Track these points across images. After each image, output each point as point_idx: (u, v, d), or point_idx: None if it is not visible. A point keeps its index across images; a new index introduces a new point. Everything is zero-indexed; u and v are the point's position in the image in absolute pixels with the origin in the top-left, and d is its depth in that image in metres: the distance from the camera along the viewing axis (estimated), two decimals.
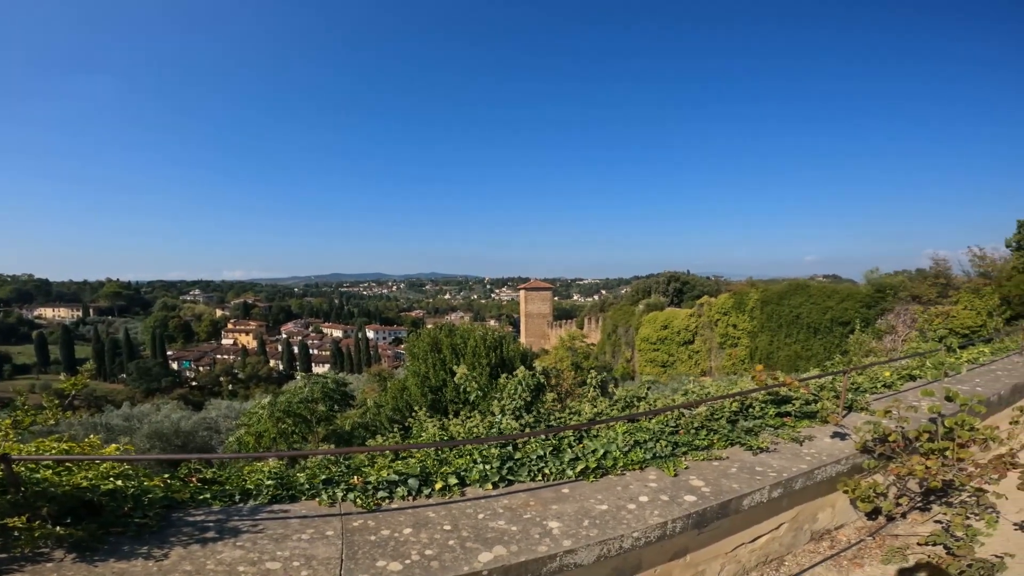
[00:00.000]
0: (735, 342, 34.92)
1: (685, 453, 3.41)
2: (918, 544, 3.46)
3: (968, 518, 3.16)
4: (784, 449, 3.59)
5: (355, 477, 2.93)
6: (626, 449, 3.31)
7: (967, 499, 3.43)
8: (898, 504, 3.90)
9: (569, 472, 3.11)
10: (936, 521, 3.47)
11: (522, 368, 4.18)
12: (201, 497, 2.83)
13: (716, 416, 3.92)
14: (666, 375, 37.12)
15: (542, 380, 4.23)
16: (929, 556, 3.21)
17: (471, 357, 24.58)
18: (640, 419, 3.86)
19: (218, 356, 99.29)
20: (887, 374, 5.15)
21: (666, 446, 3.41)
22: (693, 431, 3.70)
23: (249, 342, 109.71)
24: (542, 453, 3.23)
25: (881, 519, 3.92)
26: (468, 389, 4.47)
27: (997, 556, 3.31)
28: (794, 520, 3.42)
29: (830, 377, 4.32)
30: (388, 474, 2.96)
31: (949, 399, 3.55)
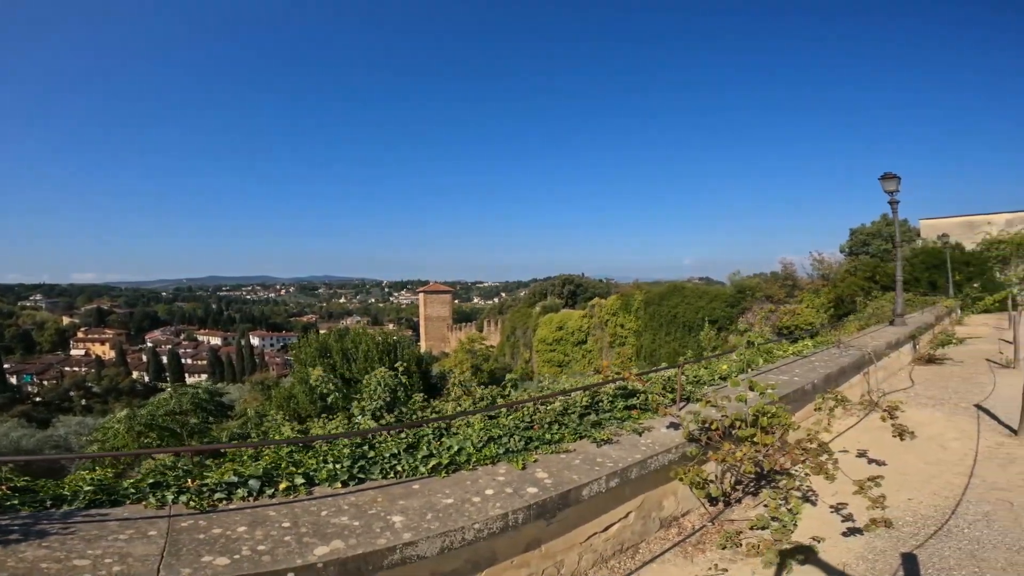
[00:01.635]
0: (623, 341, 36.95)
1: (537, 447, 3.56)
2: (750, 529, 3.66)
3: (781, 503, 3.51)
4: (625, 440, 3.80)
5: (189, 480, 2.82)
6: (480, 445, 3.42)
7: (789, 484, 3.78)
8: (735, 489, 4.29)
9: (422, 469, 3.17)
10: (765, 505, 3.77)
11: (382, 369, 4.12)
12: (8, 504, 2.63)
13: (569, 411, 4.13)
14: (563, 375, 38.46)
15: (404, 380, 4.20)
16: (757, 540, 3.39)
17: (363, 362, 23.67)
18: (500, 416, 3.99)
19: (66, 368, 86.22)
20: (724, 367, 5.76)
21: (519, 441, 3.55)
22: (546, 426, 3.88)
23: (106, 352, 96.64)
24: (396, 451, 3.28)
25: (720, 504, 4.15)
26: (324, 391, 4.31)
27: (814, 539, 3.52)
28: (640, 508, 3.65)
29: (673, 370, 4.71)
30: (227, 476, 2.88)
31: (752, 388, 4.02)
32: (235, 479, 2.87)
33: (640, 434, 3.92)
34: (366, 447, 3.33)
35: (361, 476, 3.07)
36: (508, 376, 5.35)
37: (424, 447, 3.37)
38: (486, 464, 3.26)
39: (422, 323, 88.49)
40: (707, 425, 3.77)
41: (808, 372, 5.89)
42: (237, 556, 2.21)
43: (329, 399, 4.50)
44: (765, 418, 3.74)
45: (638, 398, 4.48)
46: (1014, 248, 21.95)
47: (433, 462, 3.20)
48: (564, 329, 43.14)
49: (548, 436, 3.72)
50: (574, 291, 64.79)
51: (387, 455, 3.26)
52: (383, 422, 3.73)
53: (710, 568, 3.37)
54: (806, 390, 5.08)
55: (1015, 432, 5.76)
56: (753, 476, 4.41)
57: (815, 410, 4.75)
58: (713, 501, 4.18)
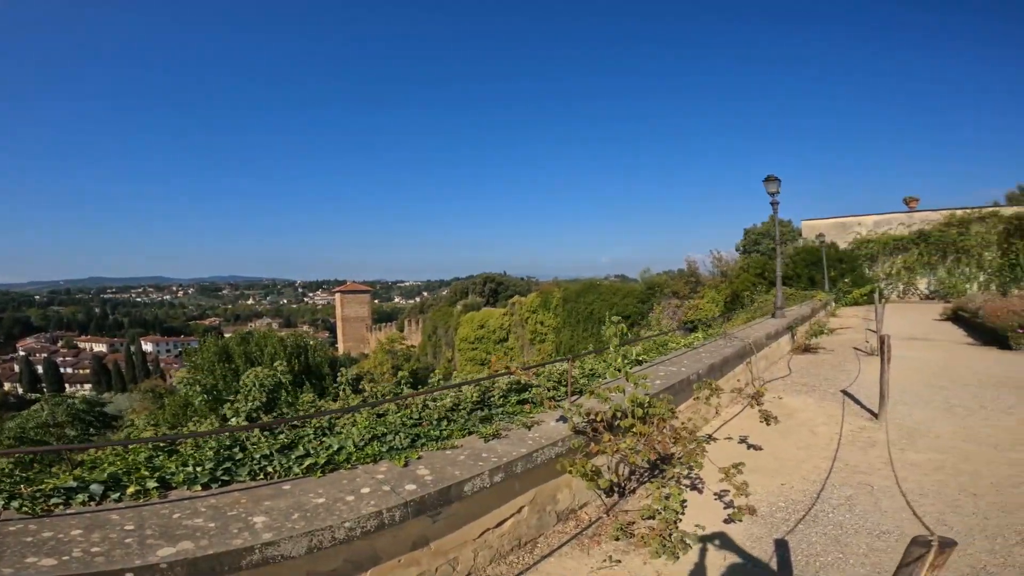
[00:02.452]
0: (543, 338, 37.53)
1: (423, 444, 3.51)
2: (642, 519, 3.73)
3: (665, 493, 3.62)
4: (514, 435, 3.77)
5: (23, 486, 2.68)
6: (363, 444, 3.34)
7: (670, 473, 3.94)
8: (629, 479, 4.38)
9: (296, 469, 3.05)
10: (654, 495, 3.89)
11: (257, 369, 3.82)
12: None
13: (460, 407, 4.08)
14: (485, 373, 38.34)
15: (285, 379, 3.93)
16: (647, 530, 3.51)
17: (269, 365, 22.13)
18: (388, 414, 3.89)
19: None
20: (619, 360, 5.93)
21: (405, 438, 3.49)
22: (434, 422, 3.84)
23: None
24: (268, 452, 3.15)
25: (615, 495, 4.22)
26: (190, 394, 4.03)
27: (699, 527, 3.67)
28: (534, 503, 3.64)
29: (569, 364, 4.75)
30: (67, 481, 2.73)
31: (627, 378, 4.14)
32: (74, 484, 2.70)
33: (529, 428, 3.91)
34: (235, 449, 3.17)
35: (226, 478, 2.92)
36: (432, 376, 5.19)
37: (301, 447, 3.24)
38: (367, 463, 3.17)
39: (339, 324, 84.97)
40: (591, 417, 3.81)
41: (695, 363, 6.20)
42: (67, 557, 2.11)
43: (196, 402, 4.18)
44: (640, 408, 3.85)
45: (530, 392, 4.48)
46: (880, 247, 24.83)
47: (308, 462, 3.07)
48: (485, 327, 43.26)
49: (436, 433, 3.66)
50: (495, 289, 65.32)
51: (257, 456, 3.11)
52: (259, 424, 3.47)
53: (605, 560, 3.39)
54: (691, 380, 5.33)
55: (875, 416, 6.37)
56: (647, 466, 4.53)
57: (694, 400, 4.98)
58: (608, 492, 4.23)
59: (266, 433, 3.42)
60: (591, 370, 5.59)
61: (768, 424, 5.11)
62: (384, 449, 3.31)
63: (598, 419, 3.80)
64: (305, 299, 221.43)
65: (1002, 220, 22.30)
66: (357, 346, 76.40)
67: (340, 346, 79.26)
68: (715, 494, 4.24)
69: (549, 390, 4.67)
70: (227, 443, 3.22)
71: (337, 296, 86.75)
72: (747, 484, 3.78)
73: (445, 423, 3.85)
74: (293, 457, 3.13)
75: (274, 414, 3.86)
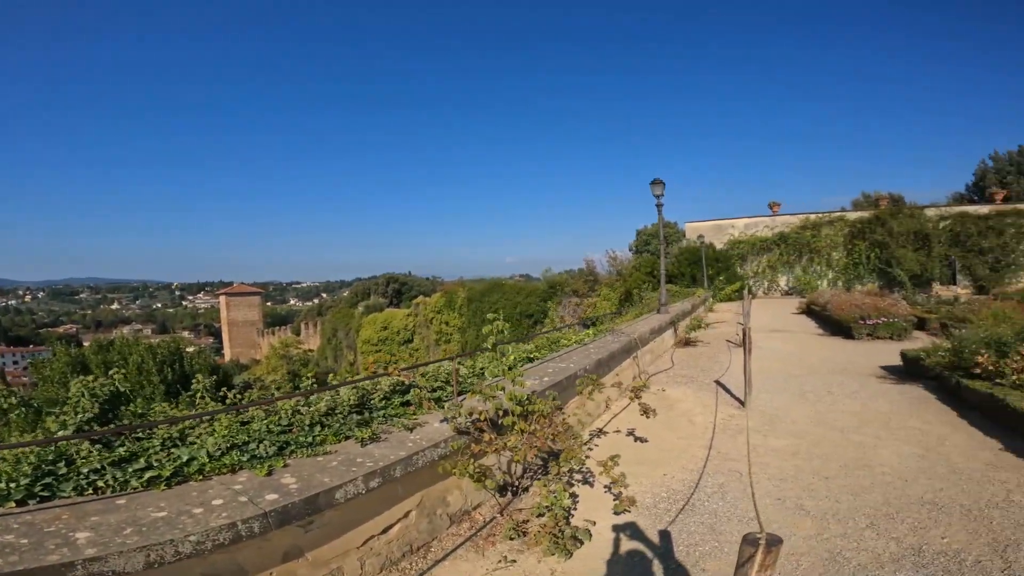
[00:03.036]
0: (448, 338, 37.24)
1: (293, 452, 3.29)
2: (536, 516, 3.71)
3: (548, 487, 3.60)
4: (394, 438, 3.66)
5: None
6: (219, 453, 3.09)
7: (555, 470, 3.88)
8: (523, 477, 4.32)
9: (135, 483, 2.80)
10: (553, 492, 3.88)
11: (87, 378, 3.28)
12: None
13: (336, 411, 3.89)
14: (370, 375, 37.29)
15: (121, 388, 3.42)
16: (540, 527, 3.48)
17: (136, 375, 19.82)
18: (253, 422, 3.59)
19: None
20: (511, 358, 5.90)
21: (271, 446, 3.25)
22: (307, 428, 3.60)
23: None
24: (98, 466, 2.85)
25: (509, 495, 4.17)
26: (7, 407, 3.44)
27: (590, 521, 3.71)
28: (422, 506, 3.54)
29: (453, 363, 4.61)
30: None
31: (505, 376, 4.11)
32: None
33: (411, 430, 3.80)
34: (60, 463, 2.83)
35: (45, 494, 2.65)
36: (331, 379, 4.80)
37: (143, 459, 2.94)
38: (224, 473, 2.96)
39: (225, 329, 77.98)
40: (474, 417, 3.72)
41: (583, 359, 6.33)
42: None
43: (12, 414, 3.53)
44: (520, 406, 3.81)
45: (414, 393, 4.31)
46: (749, 247, 27.57)
47: (150, 475, 2.81)
48: (389, 329, 42.35)
49: (308, 439, 3.43)
50: (399, 290, 63.84)
51: (85, 471, 2.81)
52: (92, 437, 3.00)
53: (500, 560, 3.34)
54: (578, 376, 5.41)
55: (743, 404, 6.90)
56: (541, 463, 4.50)
57: (582, 395, 5.06)
58: (502, 491, 4.16)
59: (99, 446, 3.06)
60: (482, 369, 5.49)
61: (648, 417, 5.31)
62: (245, 458, 3.08)
63: (481, 418, 3.70)
64: (184, 303, 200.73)
65: (847, 224, 25.71)
66: (247, 352, 70.62)
67: (227, 352, 72.84)
68: (605, 487, 4.28)
69: (434, 390, 4.53)
70: (50, 457, 2.86)
71: (222, 299, 79.49)
72: (625, 476, 3.83)
73: (319, 429, 3.60)
74: (131, 470, 2.84)
75: (112, 426, 3.37)
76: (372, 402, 4.16)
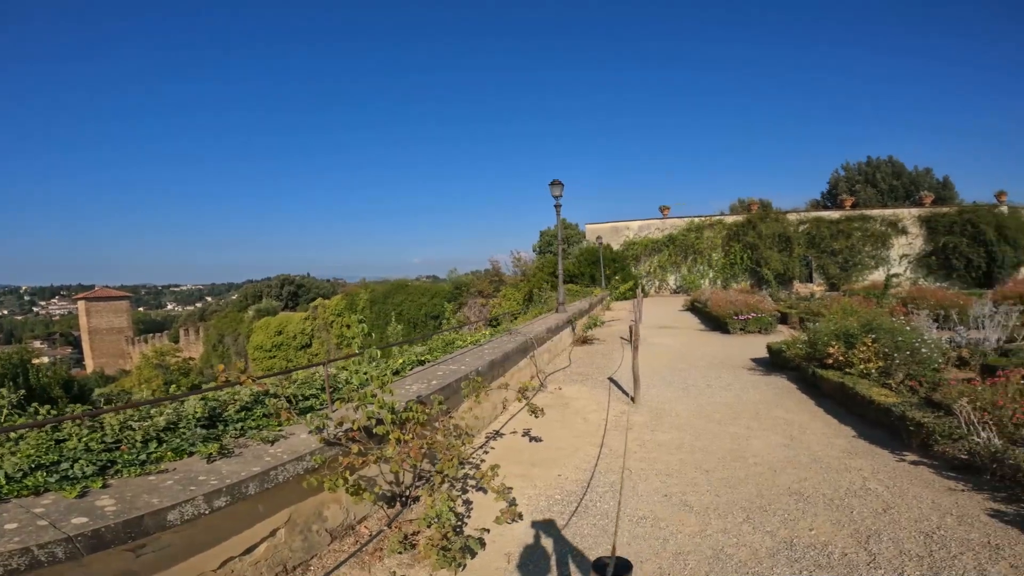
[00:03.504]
0: (350, 342, 35.59)
1: (118, 472, 2.89)
2: (426, 527, 3.53)
3: (433, 495, 3.40)
4: (249, 452, 3.23)
5: None
6: (20, 475, 2.71)
7: (436, 478, 3.70)
8: (414, 486, 4.01)
9: None
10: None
11: None
12: None
13: (179, 425, 3.44)
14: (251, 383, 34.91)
15: None
16: (428, 539, 3.31)
17: None
18: (71, 439, 3.09)
19: None
20: (400, 360, 5.55)
21: (88, 465, 2.83)
22: (139, 444, 3.14)
23: None
24: None
25: (398, 505, 3.97)
26: None
27: (483, 530, 3.59)
28: (292, 523, 3.27)
29: (324, 368, 4.21)
30: None
31: (374, 382, 3.84)
32: None
33: (272, 443, 3.41)
34: None
35: None
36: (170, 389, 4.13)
37: None
38: (25, 495, 2.63)
39: (85, 337, 68.27)
40: (347, 426, 3.39)
41: (476, 360, 6.14)
42: None
43: None
44: (392, 414, 3.54)
45: (271, 403, 3.86)
46: (642, 248, 29.27)
47: None
48: (284, 333, 39.93)
49: (140, 456, 3.03)
50: (295, 292, 59.96)
51: None
52: None
53: (389, 575, 3.13)
54: (469, 377, 5.21)
55: (633, 400, 7.10)
56: (432, 471, 4.23)
57: (475, 397, 4.86)
58: (391, 502, 3.92)
59: None
60: (367, 375, 5.08)
61: (536, 417, 5.26)
62: (53, 479, 2.71)
63: (354, 428, 3.37)
64: (36, 309, 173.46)
65: (725, 227, 28.14)
66: (114, 363, 62.46)
67: (88, 363, 63.92)
68: (499, 493, 4.18)
69: (307, 398, 4.10)
70: None
71: (80, 304, 69.50)
72: (508, 488, 3.71)
73: (155, 445, 3.15)
74: None
75: None
76: (227, 414, 3.66)
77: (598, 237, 27.62)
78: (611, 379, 8.37)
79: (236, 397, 3.88)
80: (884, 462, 4.45)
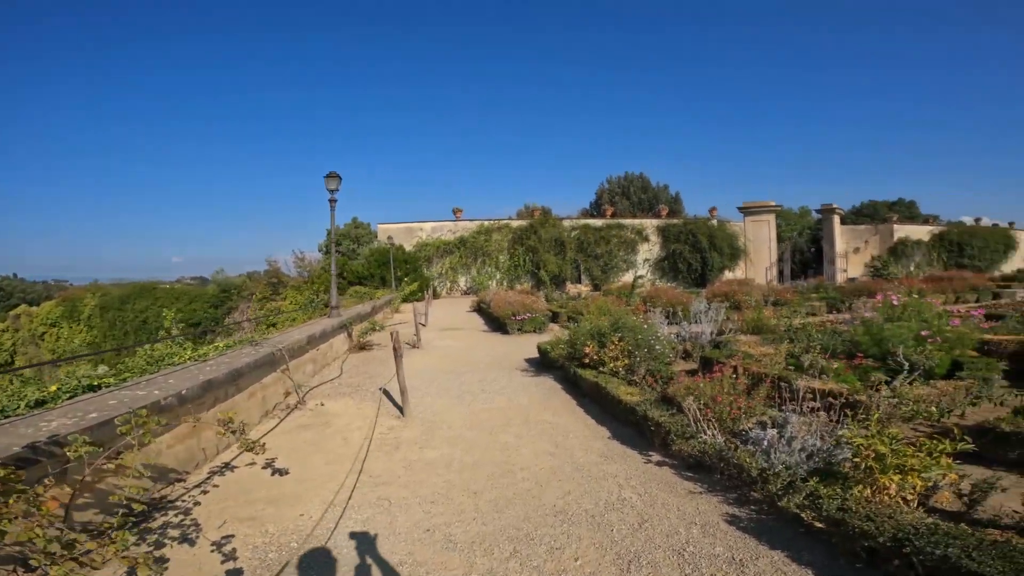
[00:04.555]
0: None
1: None
2: None
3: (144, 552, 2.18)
4: None
5: None
6: None
7: (153, 529, 3.01)
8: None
9: None
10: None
11: None
12: None
13: None
14: None
15: None
16: None
17: None
18: None
19: None
20: (54, 388, 3.92)
21: None
22: None
23: None
24: None
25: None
26: None
27: None
28: None
29: None
30: None
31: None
32: None
33: None
34: None
35: None
36: None
37: None
38: None
39: None
40: None
41: (185, 381, 4.75)
42: None
43: None
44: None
45: None
46: (434, 250, 29.21)
47: None
48: None
49: None
50: None
51: None
52: None
53: None
54: (169, 405, 3.94)
55: (403, 413, 6.45)
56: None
57: (190, 425, 3.63)
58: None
59: None
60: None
61: (255, 455, 4.30)
62: None
63: None
64: None
65: (511, 231, 29.81)
66: None
67: None
68: (213, 544, 3.36)
69: None
70: None
71: None
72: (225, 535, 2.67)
73: None
74: None
75: None
76: None
77: (389, 237, 26.62)
78: (384, 390, 7.62)
79: None
80: (635, 465, 4.58)
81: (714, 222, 30.99)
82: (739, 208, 31.99)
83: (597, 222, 31.18)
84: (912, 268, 31.69)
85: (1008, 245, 34.18)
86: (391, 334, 6.94)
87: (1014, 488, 3.45)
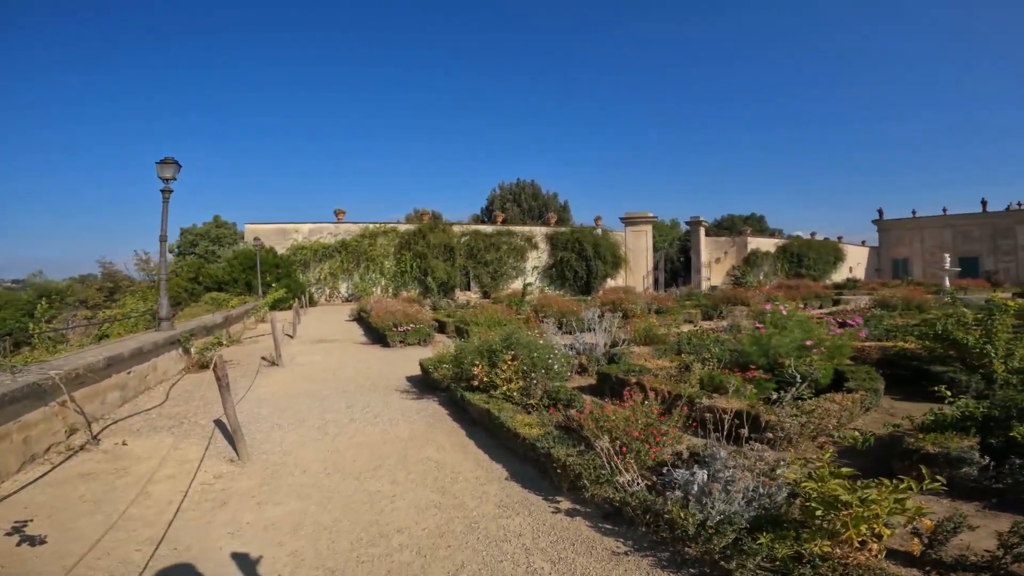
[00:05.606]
0: None
1: None
2: None
3: None
4: None
5: None
6: None
7: None
8: None
9: None
10: None
11: None
12: None
13: None
14: None
15: None
16: None
17: None
18: None
19: None
20: None
21: None
22: None
23: None
24: None
25: None
26: None
27: None
28: None
29: None
30: None
31: None
32: None
33: None
34: None
35: None
36: None
37: None
38: None
39: None
40: None
41: None
42: None
43: None
44: None
45: None
46: (312, 253, 26.55)
47: None
48: None
49: None
50: None
51: None
52: None
53: None
54: None
55: (238, 455, 5.03)
56: None
57: None
58: None
59: None
60: None
61: None
62: None
63: None
64: None
65: (398, 235, 28.11)
66: None
67: None
68: None
69: None
70: None
71: None
72: None
73: None
74: None
75: None
76: None
77: (256, 238, 23.60)
78: (220, 421, 6.01)
79: None
80: (541, 517, 3.67)
81: (599, 231, 31.99)
82: (621, 218, 33.43)
83: (488, 228, 30.64)
84: (762, 277, 35.37)
85: (838, 257, 39.59)
86: (217, 357, 5.45)
87: (971, 520, 3.09)
